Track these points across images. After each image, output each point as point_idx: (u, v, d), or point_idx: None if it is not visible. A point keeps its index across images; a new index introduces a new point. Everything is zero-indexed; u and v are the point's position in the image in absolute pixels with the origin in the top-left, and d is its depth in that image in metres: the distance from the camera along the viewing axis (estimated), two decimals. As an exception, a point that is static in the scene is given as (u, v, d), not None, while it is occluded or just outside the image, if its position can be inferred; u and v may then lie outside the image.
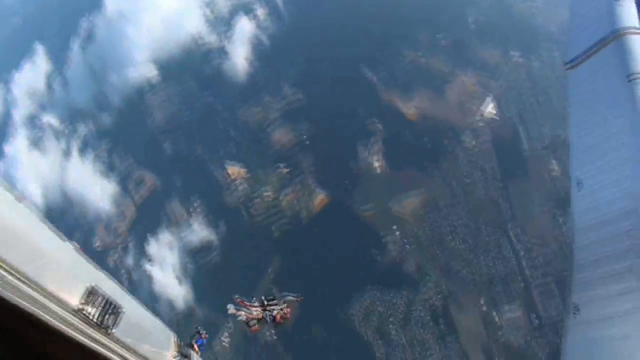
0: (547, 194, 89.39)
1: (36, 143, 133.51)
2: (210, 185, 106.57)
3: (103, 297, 9.86)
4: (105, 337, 9.89)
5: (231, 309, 36.67)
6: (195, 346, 30.06)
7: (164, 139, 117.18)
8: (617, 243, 17.93)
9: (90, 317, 9.51)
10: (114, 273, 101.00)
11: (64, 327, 9.16)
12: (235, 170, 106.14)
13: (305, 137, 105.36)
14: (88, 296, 9.52)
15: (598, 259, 18.75)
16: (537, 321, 79.78)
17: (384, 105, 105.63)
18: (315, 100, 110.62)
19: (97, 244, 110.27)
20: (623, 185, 19.08)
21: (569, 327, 18.28)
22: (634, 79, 21.00)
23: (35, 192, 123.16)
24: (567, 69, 25.11)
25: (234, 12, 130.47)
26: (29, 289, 8.26)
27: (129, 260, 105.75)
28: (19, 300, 8.05)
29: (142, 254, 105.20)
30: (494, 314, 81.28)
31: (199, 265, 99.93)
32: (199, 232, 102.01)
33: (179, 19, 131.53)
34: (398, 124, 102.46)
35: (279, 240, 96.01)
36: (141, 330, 10.90)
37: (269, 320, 35.97)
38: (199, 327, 35.00)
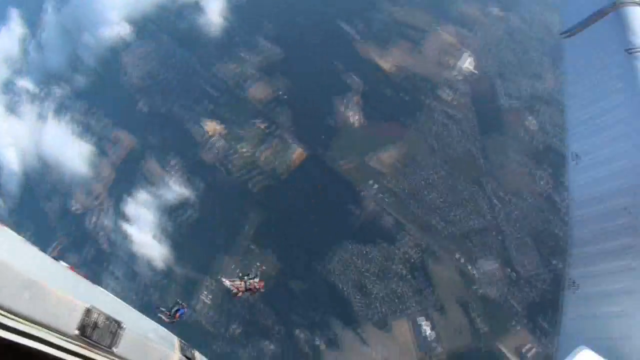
0: (524, 149, 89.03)
1: (12, 108, 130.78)
2: (187, 143, 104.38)
3: (101, 315, 8.74)
4: (110, 357, 8.91)
5: (226, 282, 40.94)
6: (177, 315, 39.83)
7: (140, 97, 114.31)
8: (615, 220, 17.09)
9: (92, 340, 8.43)
10: (92, 236, 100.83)
11: (66, 356, 8.08)
12: (212, 126, 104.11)
13: (282, 92, 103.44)
14: (86, 318, 8.43)
15: (596, 235, 17.87)
16: (513, 274, 79.85)
17: (362, 59, 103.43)
18: (292, 54, 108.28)
19: (75, 207, 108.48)
20: (620, 162, 18.05)
21: (566, 302, 17.03)
22: (633, 52, 19.50)
23: (12, 158, 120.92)
24: (563, 37, 23.36)
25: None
26: (23, 326, 7.46)
27: (107, 222, 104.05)
28: (15, 338, 7.27)
29: (119, 214, 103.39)
30: (470, 267, 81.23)
31: (177, 224, 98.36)
32: (176, 190, 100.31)
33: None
34: (375, 78, 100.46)
35: (257, 196, 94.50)
36: (145, 342, 9.91)
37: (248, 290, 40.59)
38: (178, 300, 42.14)
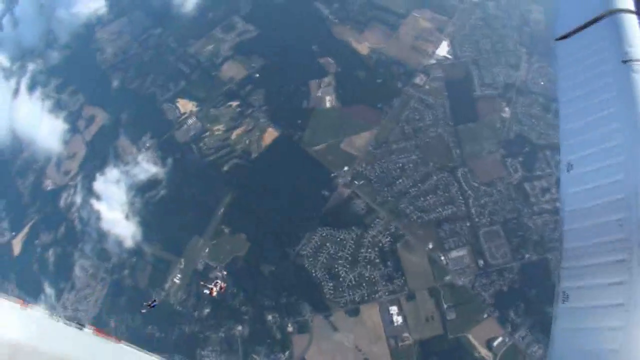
0: (497, 138, 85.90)
1: None
2: (160, 121, 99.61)
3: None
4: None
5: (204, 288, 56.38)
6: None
7: (113, 74, 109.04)
8: (608, 234, 15.96)
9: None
10: (64, 214, 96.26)
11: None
12: (185, 105, 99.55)
13: (256, 72, 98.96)
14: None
15: (588, 247, 16.70)
16: (482, 262, 77.08)
17: (337, 41, 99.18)
18: (268, 34, 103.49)
19: (47, 184, 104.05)
20: (615, 174, 16.74)
21: (557, 314, 16.01)
22: (629, 63, 16.81)
23: None
24: (557, 41, 20.55)
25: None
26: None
27: (78, 199, 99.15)
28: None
29: (90, 192, 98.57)
30: (441, 255, 78.43)
31: (147, 203, 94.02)
32: (148, 168, 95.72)
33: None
34: (351, 61, 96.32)
35: (228, 176, 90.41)
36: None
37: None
38: (154, 297, 66.86)
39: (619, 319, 14.14)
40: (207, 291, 59.63)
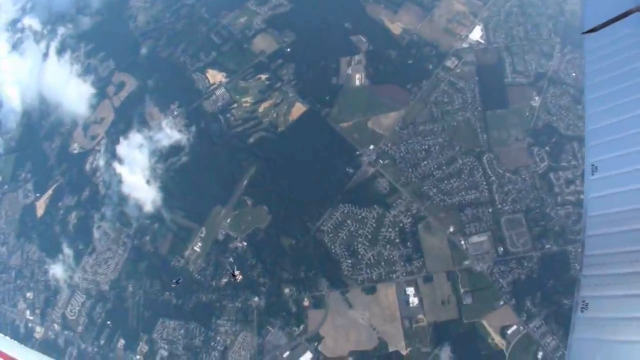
0: (525, 126, 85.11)
1: (16, 46, 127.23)
2: (189, 90, 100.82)
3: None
4: None
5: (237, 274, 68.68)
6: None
7: (145, 42, 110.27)
8: (633, 244, 15.56)
9: None
10: (89, 178, 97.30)
11: None
12: (215, 76, 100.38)
13: (287, 46, 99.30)
14: None
15: (610, 257, 16.21)
16: (502, 249, 77.17)
17: (371, 20, 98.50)
18: (301, 9, 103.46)
19: (73, 147, 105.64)
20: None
21: (575, 323, 15.36)
22: None
23: (14, 96, 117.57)
24: (585, 35, 19.96)
25: None
26: None
27: (102, 163, 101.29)
28: None
29: (113, 155, 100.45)
30: (461, 239, 78.65)
31: (170, 169, 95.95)
32: (173, 135, 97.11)
33: None
34: (382, 41, 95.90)
35: (253, 148, 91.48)
36: None
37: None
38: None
39: (638, 334, 13.78)
40: (233, 279, 76.67)
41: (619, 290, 14.99)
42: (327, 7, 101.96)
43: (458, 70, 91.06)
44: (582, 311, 15.34)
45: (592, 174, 17.67)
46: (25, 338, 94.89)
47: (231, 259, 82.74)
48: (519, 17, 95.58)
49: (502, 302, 74.58)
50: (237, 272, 77.15)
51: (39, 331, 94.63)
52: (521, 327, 73.01)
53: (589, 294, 15.67)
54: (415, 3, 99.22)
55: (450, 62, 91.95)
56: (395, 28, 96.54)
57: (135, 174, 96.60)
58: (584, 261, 16.50)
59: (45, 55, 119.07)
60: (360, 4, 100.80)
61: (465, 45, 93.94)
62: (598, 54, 20.59)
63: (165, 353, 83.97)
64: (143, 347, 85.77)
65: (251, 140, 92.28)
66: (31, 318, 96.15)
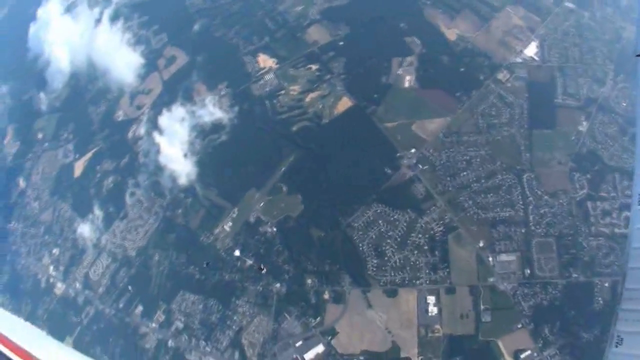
0: (570, 150, 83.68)
1: (69, 9, 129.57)
2: (238, 72, 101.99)
3: None
4: None
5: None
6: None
7: (200, 20, 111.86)
8: None
9: None
10: (130, 146, 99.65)
11: None
12: (266, 61, 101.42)
13: (341, 40, 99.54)
14: None
15: None
16: (528, 272, 76.12)
17: (427, 23, 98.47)
18: (358, 5, 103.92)
19: (118, 115, 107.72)
20: None
21: (608, 358, 15.53)
22: None
23: (63, 57, 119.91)
24: (638, 55, 19.23)
25: None
26: None
27: (143, 132, 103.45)
28: None
29: (155, 125, 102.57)
30: (489, 256, 77.69)
31: (206, 145, 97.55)
32: (214, 112, 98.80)
33: None
34: (437, 45, 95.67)
35: (295, 137, 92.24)
36: None
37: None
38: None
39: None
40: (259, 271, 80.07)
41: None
42: (385, 5, 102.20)
43: (509, 85, 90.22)
44: (616, 346, 15.12)
45: None
46: (44, 292, 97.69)
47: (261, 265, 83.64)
48: (576, 38, 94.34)
49: (520, 325, 73.31)
50: (263, 267, 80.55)
51: (59, 287, 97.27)
52: (535, 354, 71.68)
53: (625, 329, 15.45)
54: (473, 11, 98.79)
55: (502, 75, 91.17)
56: (451, 34, 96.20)
57: (174, 146, 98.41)
58: (624, 294, 16.32)
59: (98, 21, 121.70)
60: (418, 5, 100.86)
61: (519, 59, 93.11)
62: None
63: (180, 325, 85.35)
64: (160, 316, 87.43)
65: (294, 128, 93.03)
66: (54, 274, 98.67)
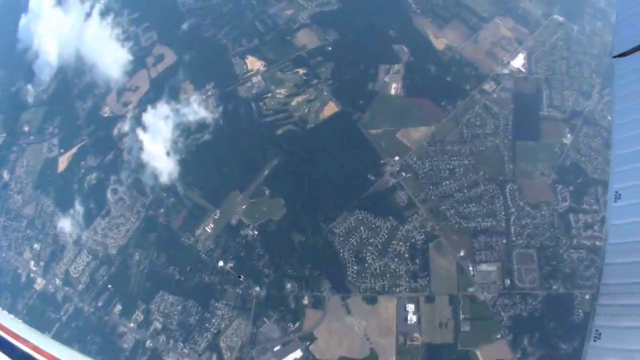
0: (553, 162, 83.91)
1: (61, 2, 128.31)
2: (226, 73, 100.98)
3: None
4: None
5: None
6: None
7: (190, 19, 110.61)
8: None
9: None
10: (115, 143, 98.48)
11: None
12: (254, 63, 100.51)
13: (329, 45, 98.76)
14: None
15: (628, 286, 16.10)
16: (508, 282, 76.28)
17: (415, 31, 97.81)
18: (348, 10, 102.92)
19: (105, 111, 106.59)
20: None
21: (587, 352, 15.74)
22: None
23: (51, 49, 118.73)
24: (615, 59, 19.20)
25: None
26: None
27: (128, 129, 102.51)
28: None
29: (139, 122, 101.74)
30: (470, 265, 77.87)
31: (191, 145, 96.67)
32: (198, 111, 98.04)
33: None
34: (424, 54, 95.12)
35: (280, 140, 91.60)
36: None
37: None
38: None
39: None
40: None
41: (634, 321, 14.81)
42: (374, 12, 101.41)
43: (495, 95, 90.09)
44: (594, 340, 15.52)
45: (616, 201, 17.33)
46: (24, 287, 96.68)
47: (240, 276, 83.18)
48: (564, 51, 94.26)
49: (499, 336, 73.65)
50: (241, 276, 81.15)
51: (39, 283, 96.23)
52: (516, 368, 71.84)
53: (603, 323, 15.81)
54: (462, 22, 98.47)
55: (488, 86, 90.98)
56: (439, 43, 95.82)
57: (157, 144, 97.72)
58: (601, 289, 16.56)
59: (89, 15, 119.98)
60: (407, 13, 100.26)
61: (505, 71, 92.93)
62: (628, 79, 20.13)
63: (159, 325, 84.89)
64: (139, 315, 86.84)
65: (279, 131, 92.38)
66: (34, 269, 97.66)
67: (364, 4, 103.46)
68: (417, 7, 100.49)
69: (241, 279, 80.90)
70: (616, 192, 17.41)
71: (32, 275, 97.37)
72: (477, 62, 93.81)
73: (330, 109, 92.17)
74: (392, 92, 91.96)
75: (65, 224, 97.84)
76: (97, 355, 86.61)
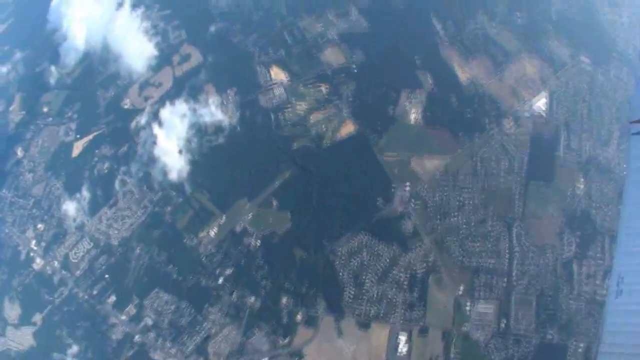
0: (564, 207, 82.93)
1: None
2: (249, 81, 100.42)
3: None
4: None
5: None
6: None
7: (220, 23, 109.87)
8: None
9: None
10: (132, 136, 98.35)
11: None
12: (278, 74, 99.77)
13: (355, 65, 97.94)
14: None
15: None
16: (504, 324, 75.63)
17: (441, 61, 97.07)
18: (377, 33, 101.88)
19: (125, 102, 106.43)
20: None
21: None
22: None
23: (79, 34, 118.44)
24: (633, 124, 18.15)
25: None
26: None
27: (143, 121, 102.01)
28: None
29: (155, 116, 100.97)
30: (468, 302, 77.21)
31: (205, 147, 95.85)
32: (217, 115, 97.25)
33: None
34: (447, 84, 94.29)
35: (295, 154, 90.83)
36: None
37: None
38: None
39: None
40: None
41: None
42: (403, 37, 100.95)
43: (512, 133, 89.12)
44: None
45: (617, 285, 16.47)
46: (22, 265, 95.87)
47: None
48: (586, 94, 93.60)
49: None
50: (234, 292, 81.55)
51: (38, 262, 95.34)
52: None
53: None
54: (489, 55, 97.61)
55: (507, 122, 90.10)
56: (463, 75, 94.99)
57: (170, 140, 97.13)
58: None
59: (120, 5, 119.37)
60: (435, 42, 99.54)
61: (526, 109, 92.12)
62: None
63: (150, 322, 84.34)
64: (131, 309, 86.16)
65: (295, 145, 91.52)
66: (35, 248, 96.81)
67: (393, 28, 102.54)
68: (445, 36, 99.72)
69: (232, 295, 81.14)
70: (619, 275, 16.54)
71: (31, 254, 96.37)
72: (498, 97, 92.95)
73: (348, 128, 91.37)
74: (412, 118, 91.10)
75: (71, 209, 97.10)
76: (83, 340, 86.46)
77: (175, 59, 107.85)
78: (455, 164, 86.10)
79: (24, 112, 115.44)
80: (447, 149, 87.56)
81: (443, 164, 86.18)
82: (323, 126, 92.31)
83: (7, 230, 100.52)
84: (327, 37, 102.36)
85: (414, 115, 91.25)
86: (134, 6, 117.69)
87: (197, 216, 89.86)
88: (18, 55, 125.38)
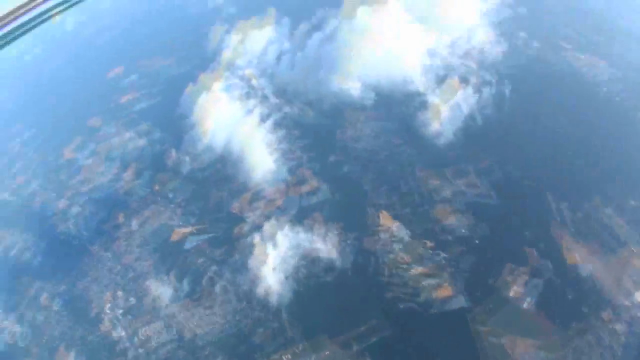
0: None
1: (228, 89, 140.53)
2: (357, 218, 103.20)
3: None
4: None
5: None
6: None
7: (346, 161, 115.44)
8: None
9: None
10: (233, 242, 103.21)
11: None
12: (387, 219, 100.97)
13: (476, 239, 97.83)
14: None
15: None
16: None
17: (550, 238, 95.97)
18: (502, 206, 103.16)
19: (234, 207, 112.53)
20: None
21: None
22: None
23: (207, 127, 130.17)
24: None
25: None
26: None
27: (245, 228, 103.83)
28: None
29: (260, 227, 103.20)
30: None
31: (302, 273, 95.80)
32: (317, 245, 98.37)
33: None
34: (552, 263, 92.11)
35: (396, 312, 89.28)
36: None
37: None
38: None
39: None
40: None
41: None
42: (516, 211, 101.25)
43: (610, 326, 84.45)
44: None
45: None
46: (90, 321, 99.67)
47: None
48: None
49: None
50: None
51: (106, 325, 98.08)
52: None
53: None
54: (600, 240, 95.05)
55: (606, 315, 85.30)
56: (571, 257, 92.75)
57: (268, 255, 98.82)
58: None
59: (250, 111, 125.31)
60: (548, 220, 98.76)
61: (627, 303, 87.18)
62: None
63: None
64: None
65: (401, 306, 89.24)
66: (108, 312, 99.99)
67: (510, 200, 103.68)
68: (559, 217, 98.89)
69: None
70: None
71: (103, 315, 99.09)
72: (602, 286, 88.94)
73: (445, 289, 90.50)
74: (511, 293, 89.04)
75: (156, 288, 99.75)
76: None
77: (293, 179, 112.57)
78: (547, 350, 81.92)
79: (137, 182, 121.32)
80: (541, 332, 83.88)
81: (534, 348, 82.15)
82: (426, 286, 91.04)
83: (86, 285, 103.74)
84: (442, 194, 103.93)
85: (513, 290, 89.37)
86: (263, 118, 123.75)
87: (275, 336, 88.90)
88: (156, 134, 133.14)
